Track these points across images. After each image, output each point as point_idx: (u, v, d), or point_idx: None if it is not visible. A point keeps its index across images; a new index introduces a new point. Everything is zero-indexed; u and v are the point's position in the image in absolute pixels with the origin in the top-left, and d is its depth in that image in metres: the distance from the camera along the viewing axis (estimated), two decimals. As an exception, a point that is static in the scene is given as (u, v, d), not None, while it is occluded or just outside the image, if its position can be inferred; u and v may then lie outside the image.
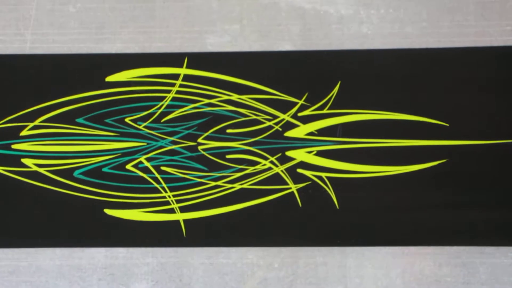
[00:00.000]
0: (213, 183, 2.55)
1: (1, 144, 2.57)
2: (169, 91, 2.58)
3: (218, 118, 2.57)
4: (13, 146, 2.56)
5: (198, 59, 2.59)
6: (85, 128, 2.56)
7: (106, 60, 2.61)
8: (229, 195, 2.54)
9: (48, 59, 2.60)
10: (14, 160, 2.55)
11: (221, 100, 2.58)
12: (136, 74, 2.59)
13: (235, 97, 2.57)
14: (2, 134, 2.56)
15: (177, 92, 2.58)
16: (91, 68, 2.60)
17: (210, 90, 2.58)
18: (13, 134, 2.56)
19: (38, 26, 2.56)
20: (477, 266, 2.52)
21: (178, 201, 2.54)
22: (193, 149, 2.56)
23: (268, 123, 2.56)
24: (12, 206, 2.53)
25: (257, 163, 2.55)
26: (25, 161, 2.56)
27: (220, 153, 2.56)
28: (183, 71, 2.58)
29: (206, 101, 2.58)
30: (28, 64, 2.60)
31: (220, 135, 2.56)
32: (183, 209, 2.52)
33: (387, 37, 2.62)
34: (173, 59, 2.60)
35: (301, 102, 2.57)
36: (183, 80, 2.59)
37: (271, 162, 2.55)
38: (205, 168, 2.55)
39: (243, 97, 2.57)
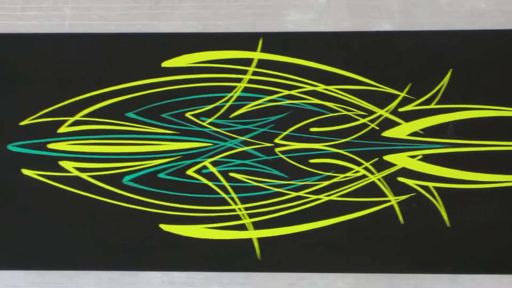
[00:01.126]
0: (294, 194, 2.09)
1: (35, 143, 2.11)
2: (239, 80, 2.10)
3: (299, 113, 2.16)
4: (49, 146, 2.11)
5: (275, 41, 2.18)
6: (136, 124, 2.10)
7: (162, 41, 2.20)
8: (314, 208, 2.13)
9: (91, 39, 2.20)
10: (50, 162, 2.13)
11: (303, 91, 2.10)
12: (198, 59, 2.14)
13: (320, 87, 2.10)
14: (36, 131, 2.12)
15: (250, 81, 2.11)
16: (144, 51, 2.17)
17: (290, 79, 2.12)
18: (49, 131, 2.15)
19: (78, -2, 2.07)
20: None
21: (250, 215, 2.08)
22: (269, 151, 2.10)
23: (361, 121, 2.10)
24: (48, 219, 2.07)
25: (348, 169, 2.09)
26: (63, 164, 2.10)
27: (303, 156, 2.10)
28: (256, 55, 2.11)
29: (285, 92, 2.10)
30: (67, 45, 2.19)
31: (302, 135, 2.12)
32: (257, 225, 2.09)
33: (510, 15, 2.13)
34: (244, 40, 2.19)
35: (402, 94, 2.12)
36: (256, 66, 2.12)
37: (366, 168, 2.11)
38: (284, 175, 2.09)
39: (331, 87, 2.10)
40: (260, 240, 2.14)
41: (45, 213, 2.14)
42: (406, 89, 2.16)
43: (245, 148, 2.16)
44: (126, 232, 2.14)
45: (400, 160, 2.15)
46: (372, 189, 2.15)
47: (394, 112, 2.16)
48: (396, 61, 2.17)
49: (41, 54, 2.18)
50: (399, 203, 2.14)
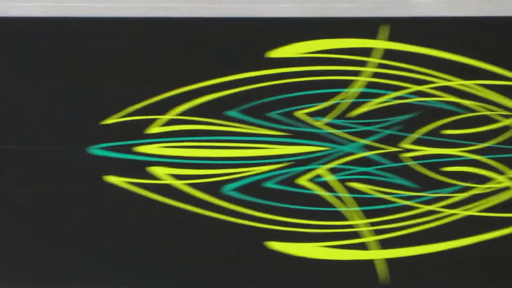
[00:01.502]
0: (426, 208, 1.81)
1: (120, 145, 1.79)
2: (360, 74, 1.78)
3: (430, 113, 1.87)
4: (136, 149, 1.79)
5: (401, 28, 1.86)
6: (239, 124, 1.85)
7: (267, 27, 1.87)
8: (450, 225, 1.86)
9: (185, 24, 1.85)
10: (138, 168, 1.87)
11: (435, 87, 1.79)
12: (310, 49, 1.87)
13: (455, 82, 1.80)
14: (121, 132, 1.83)
15: (372, 74, 1.78)
16: (245, 39, 1.86)
17: (420, 72, 1.83)
18: (136, 132, 1.87)
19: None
20: None
21: (375, 233, 1.77)
22: (395, 157, 1.84)
23: (504, 122, 1.79)
24: (135, 233, 1.77)
25: (490, 179, 1.82)
26: (153, 170, 1.81)
27: (435, 164, 1.85)
28: (380, 44, 1.82)
29: (414, 88, 1.79)
30: (155, 29, 1.85)
31: (434, 138, 1.85)
32: (383, 244, 1.86)
33: None
34: (364, 27, 1.87)
35: (555, 91, 1.78)
36: (380, 57, 1.77)
37: (510, 178, 1.73)
38: (414, 186, 1.81)
39: (468, 82, 1.80)
40: (388, 261, 1.81)
41: (132, 226, 1.83)
42: (559, 85, 1.83)
43: (367, 153, 1.84)
44: (226, 250, 1.86)
45: (551, 169, 1.82)
46: (517, 203, 1.82)
47: (544, 112, 1.83)
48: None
49: (124, 40, 1.85)
50: (550, 220, 1.81)
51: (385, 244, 1.86)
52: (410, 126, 1.87)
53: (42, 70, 1.85)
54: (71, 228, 1.86)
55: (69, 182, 1.86)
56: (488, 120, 1.87)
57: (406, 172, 1.87)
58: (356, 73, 1.87)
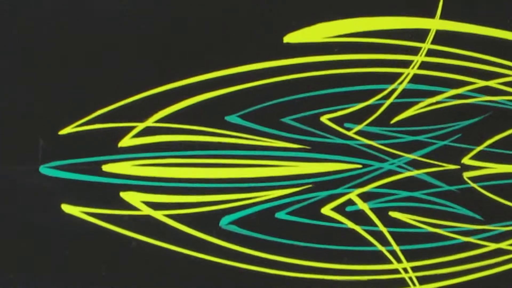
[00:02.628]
0: (493, 246, 1.35)
1: (83, 163, 1.31)
2: (407, 64, 1.28)
3: (502, 117, 1.37)
4: (105, 168, 1.32)
5: (461, 3, 1.33)
6: (242, 133, 1.38)
7: (282, 1, 1.33)
8: None
9: None
10: (107, 194, 1.35)
11: (507, 82, 1.29)
12: (340, 30, 1.37)
13: (536, 75, 1.29)
14: (85, 145, 1.33)
15: (423, 65, 1.29)
16: (255, 18, 1.37)
17: (487, 61, 1.30)
18: (106, 144, 1.37)
19: None
20: None
21: (422, 280, 1.27)
22: (455, 177, 1.39)
23: None
24: (104, 282, 1.27)
25: None
26: (127, 196, 1.34)
27: (507, 186, 1.29)
28: (435, 24, 1.27)
29: (480, 83, 1.31)
30: (134, 7, 1.30)
31: (507, 152, 1.27)
32: None
33: None
34: (414, 2, 1.33)
35: None
36: (433, 42, 1.27)
37: None
38: (478, 217, 1.34)
39: (552, 76, 1.29)
40: (439, 318, 1.35)
41: (98, 272, 1.35)
42: None
43: (415, 173, 1.35)
44: (227, 303, 1.36)
45: None
46: None
47: None
48: None
49: (91, 20, 1.37)
50: None
51: (440, 296, 1.38)
52: (474, 135, 1.39)
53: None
54: (21, 265, 1.39)
55: (21, 210, 1.39)
56: None
57: (468, 197, 1.39)
58: (402, 64, 1.39)
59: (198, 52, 1.39)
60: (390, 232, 1.38)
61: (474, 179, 1.38)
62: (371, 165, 1.38)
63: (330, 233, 1.38)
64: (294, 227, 1.38)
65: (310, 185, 1.38)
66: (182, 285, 1.39)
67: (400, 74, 1.38)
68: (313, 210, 1.39)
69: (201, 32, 1.39)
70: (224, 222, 1.38)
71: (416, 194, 1.38)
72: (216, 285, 1.39)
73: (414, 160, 1.38)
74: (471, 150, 1.38)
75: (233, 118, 1.39)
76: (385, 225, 1.38)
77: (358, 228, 1.38)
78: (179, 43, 1.39)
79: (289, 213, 1.39)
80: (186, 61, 1.39)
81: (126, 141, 1.39)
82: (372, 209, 1.38)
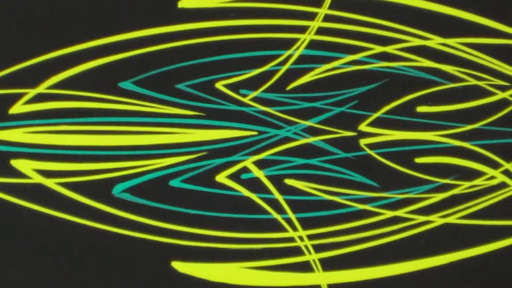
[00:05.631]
0: (390, 214, 1.37)
1: (-29, 131, 1.32)
2: (304, 29, 1.29)
3: (399, 83, 1.36)
4: (-4, 135, 1.31)
5: None
6: (136, 100, 1.37)
7: None
8: (422, 237, 1.40)
9: None
10: None
11: (406, 48, 1.31)
12: None
13: (433, 41, 1.32)
14: None
15: (320, 30, 1.30)
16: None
17: (384, 27, 1.30)
18: None
19: None
20: None
21: (319, 248, 1.31)
22: (351, 144, 1.39)
23: (500, 95, 1.37)
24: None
25: (478, 174, 1.34)
26: (18, 164, 1.34)
27: (404, 153, 1.39)
28: None
29: (377, 49, 1.31)
30: None
31: (404, 118, 1.37)
32: (329, 264, 1.34)
33: None
34: None
35: None
36: (331, 7, 1.28)
37: (506, 172, 1.36)
38: (374, 184, 1.35)
39: (451, 41, 1.32)
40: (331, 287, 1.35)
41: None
42: None
43: (311, 139, 1.35)
44: (120, 274, 1.35)
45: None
46: (516, 207, 1.34)
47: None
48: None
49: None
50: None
51: (334, 264, 1.38)
52: (371, 102, 1.39)
53: None
54: None
55: None
56: (477, 92, 1.38)
57: (364, 164, 1.39)
58: (299, 30, 1.38)
59: (91, 17, 1.37)
60: (285, 200, 1.38)
61: (371, 146, 1.38)
62: (267, 132, 1.38)
63: (225, 201, 1.38)
64: (188, 195, 1.38)
65: (205, 153, 1.38)
66: (76, 253, 1.38)
67: (297, 39, 1.37)
68: (208, 177, 1.38)
69: (95, -4, 1.38)
70: (117, 190, 1.37)
71: (312, 161, 1.38)
72: (110, 254, 1.38)
73: (310, 127, 1.38)
74: (368, 116, 1.38)
75: (126, 85, 1.38)
76: (281, 193, 1.38)
77: (253, 196, 1.38)
78: (72, 7, 1.37)
79: (183, 181, 1.38)
80: (79, 26, 1.37)
81: (17, 108, 1.37)
82: (267, 177, 1.38)
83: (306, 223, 1.38)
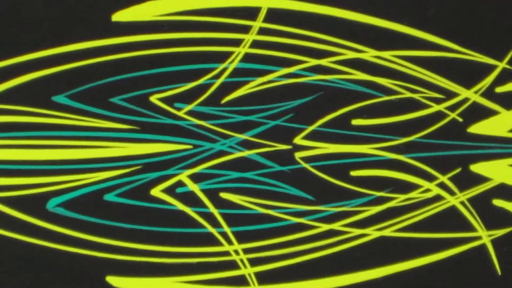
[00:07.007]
0: (325, 227, 1.38)
1: None
2: (239, 43, 1.30)
3: (334, 95, 1.36)
4: None
5: None
6: (70, 114, 1.36)
7: None
8: (357, 250, 1.38)
9: None
10: None
11: (340, 61, 1.30)
12: (171, 8, 1.37)
13: (369, 54, 1.31)
14: None
15: (254, 44, 1.31)
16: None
17: (319, 40, 1.31)
18: None
19: None
20: None
21: (254, 262, 1.31)
22: (287, 158, 1.38)
23: (435, 108, 1.37)
24: None
25: (414, 187, 1.35)
26: (-49, 179, 1.30)
27: (339, 166, 1.39)
28: (266, 2, 1.31)
29: (312, 62, 1.31)
30: None
31: (340, 131, 1.36)
32: (264, 278, 1.35)
33: None
34: None
35: (502, 65, 1.32)
36: (265, 20, 1.30)
37: (441, 185, 1.37)
38: (309, 197, 1.34)
39: (385, 53, 1.31)
40: (270, 301, 1.36)
41: None
42: (507, 58, 1.36)
43: (246, 153, 1.36)
44: (54, 288, 1.35)
45: (497, 171, 1.37)
46: (451, 219, 1.39)
47: (488, 93, 1.37)
48: (493, 17, 1.35)
49: None
50: (494, 242, 1.36)
51: (270, 277, 1.38)
52: (306, 115, 1.40)
53: None
54: None
55: None
56: (413, 105, 1.39)
57: (299, 178, 1.39)
58: (234, 42, 1.38)
59: (25, 30, 1.37)
60: (221, 214, 1.38)
61: (306, 159, 1.39)
62: (202, 146, 1.38)
63: (160, 215, 1.37)
64: (123, 209, 1.37)
65: (139, 166, 1.38)
66: (9, 268, 1.37)
67: (231, 53, 1.38)
68: (142, 191, 1.38)
69: (29, 10, 1.37)
70: (51, 205, 1.37)
71: (248, 174, 1.38)
72: (44, 268, 1.37)
73: (245, 140, 1.38)
74: (303, 130, 1.38)
75: (60, 99, 1.37)
76: (216, 207, 1.38)
77: (188, 210, 1.38)
78: (5, 20, 1.37)
79: (118, 195, 1.38)
80: (12, 40, 1.37)
81: (-51, 122, 1.37)
82: (203, 190, 1.38)
83: (242, 237, 1.39)
